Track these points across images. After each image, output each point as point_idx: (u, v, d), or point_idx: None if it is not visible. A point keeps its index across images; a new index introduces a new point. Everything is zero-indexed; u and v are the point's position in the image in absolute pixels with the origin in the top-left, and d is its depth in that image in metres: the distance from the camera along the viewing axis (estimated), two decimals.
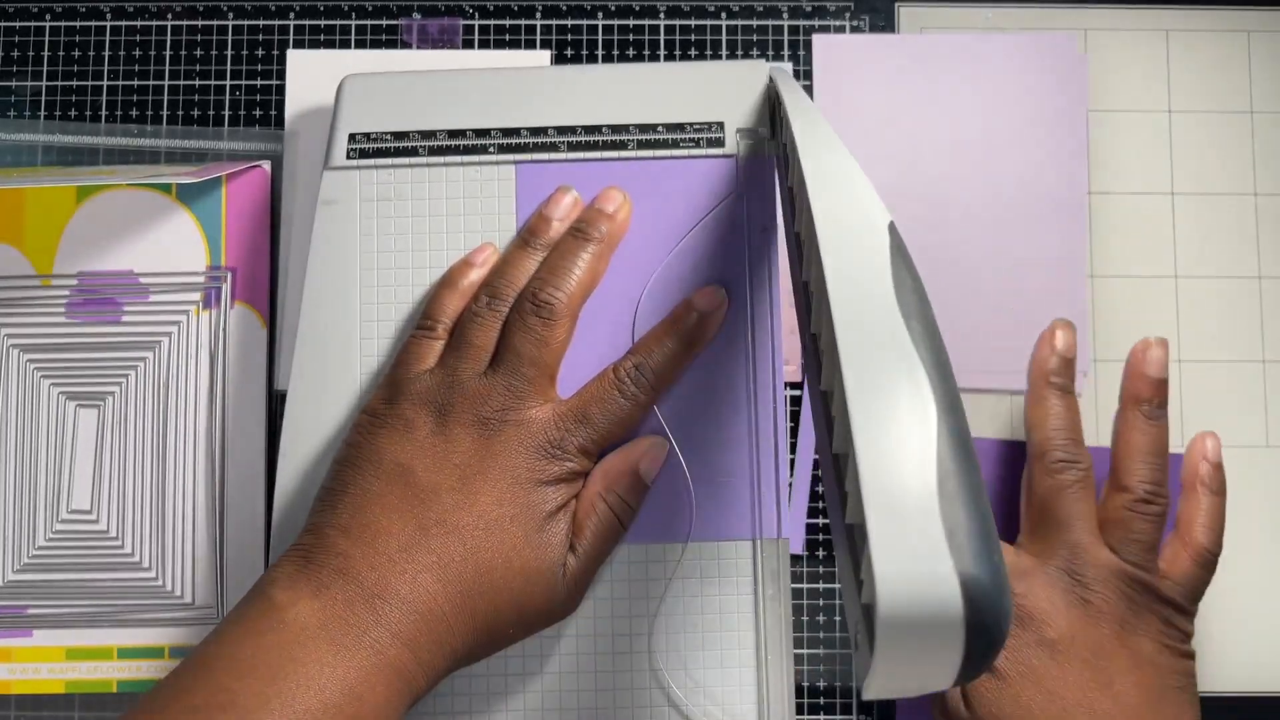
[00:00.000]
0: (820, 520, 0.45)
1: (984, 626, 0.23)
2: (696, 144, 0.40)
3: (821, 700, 0.45)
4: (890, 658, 0.23)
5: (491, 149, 0.41)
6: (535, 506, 0.35)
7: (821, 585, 0.45)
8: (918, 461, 0.25)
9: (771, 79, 0.40)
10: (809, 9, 0.48)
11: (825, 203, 0.30)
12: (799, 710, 0.44)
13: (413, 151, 0.41)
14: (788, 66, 0.47)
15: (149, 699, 0.31)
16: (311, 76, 0.47)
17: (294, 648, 0.31)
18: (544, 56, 0.47)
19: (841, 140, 0.32)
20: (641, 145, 0.40)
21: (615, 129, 0.41)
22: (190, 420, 0.44)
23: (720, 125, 0.41)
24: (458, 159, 0.41)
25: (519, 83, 0.41)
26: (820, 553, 0.45)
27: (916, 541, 0.24)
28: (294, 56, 0.47)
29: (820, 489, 0.45)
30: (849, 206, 0.30)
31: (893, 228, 0.30)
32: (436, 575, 0.33)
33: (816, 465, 0.45)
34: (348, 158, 0.41)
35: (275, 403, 0.45)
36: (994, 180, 0.46)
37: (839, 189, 0.31)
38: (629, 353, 0.38)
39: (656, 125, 0.41)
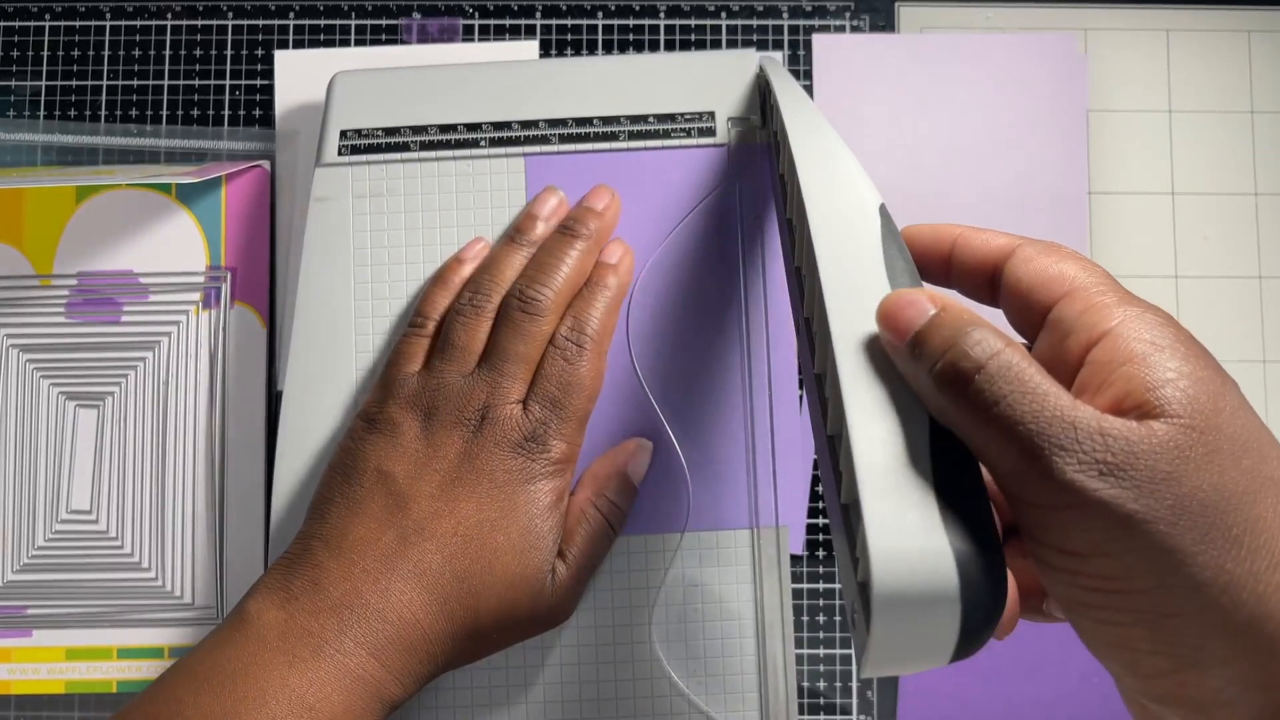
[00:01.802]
0: (820, 520, 0.45)
1: (980, 601, 0.23)
2: (688, 134, 0.41)
3: (821, 700, 0.45)
4: (886, 634, 0.23)
5: (483, 143, 0.41)
6: (519, 508, 0.35)
7: (821, 585, 0.45)
8: (911, 438, 0.25)
9: (761, 68, 0.40)
10: (809, 9, 0.48)
11: (815, 186, 0.30)
12: (800, 711, 0.44)
13: (404, 147, 0.41)
14: (778, 55, 0.47)
15: (124, 707, 0.32)
16: (300, 76, 0.47)
17: (250, 660, 0.31)
18: (531, 47, 0.47)
19: (833, 128, 0.33)
20: (633, 136, 0.41)
21: (606, 120, 0.41)
22: (190, 420, 0.44)
23: (711, 115, 0.41)
24: (449, 153, 0.41)
25: (510, 76, 0.41)
26: (820, 553, 0.45)
27: (911, 517, 0.24)
28: (281, 57, 0.47)
29: (820, 489, 0.45)
30: (839, 190, 0.30)
31: (883, 210, 0.30)
32: (413, 583, 0.33)
33: (816, 465, 0.45)
34: (339, 154, 0.41)
35: (275, 403, 0.45)
36: (994, 180, 0.46)
37: (829, 173, 0.31)
38: (562, 319, 0.38)
39: (648, 116, 0.41)
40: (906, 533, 0.23)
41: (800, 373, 0.40)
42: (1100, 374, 0.24)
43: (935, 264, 0.30)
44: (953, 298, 0.26)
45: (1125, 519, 0.23)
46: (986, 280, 0.29)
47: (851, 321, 0.27)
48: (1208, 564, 0.23)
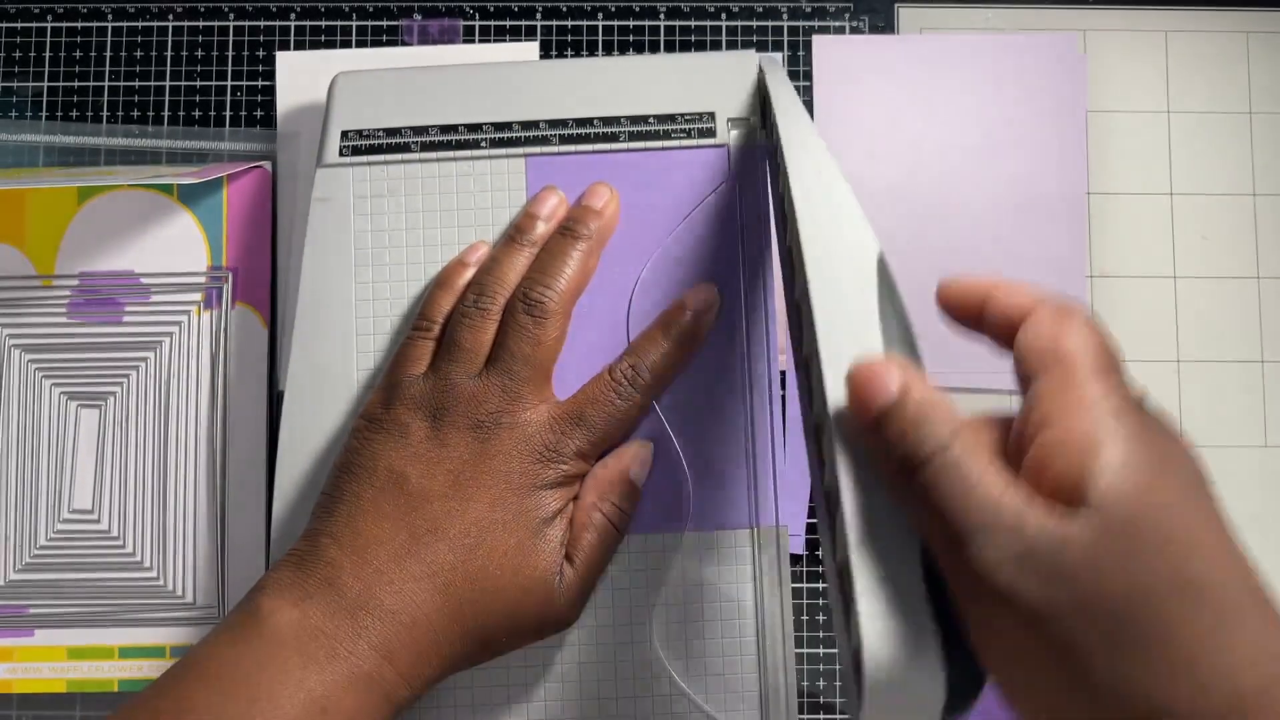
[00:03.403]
0: None
1: (963, 687, 0.26)
2: (688, 135, 0.41)
3: (821, 700, 0.45)
4: (876, 712, 0.26)
5: (484, 143, 0.41)
6: (530, 512, 0.35)
7: (821, 585, 0.45)
8: (904, 547, 0.27)
9: (762, 73, 0.40)
10: (809, 9, 0.48)
11: (815, 248, 0.31)
12: (800, 711, 0.44)
13: (405, 148, 0.41)
14: (778, 56, 0.47)
15: (126, 703, 0.32)
16: (302, 77, 0.47)
17: (263, 658, 0.31)
18: (531, 48, 0.47)
19: (827, 138, 0.34)
20: (633, 137, 0.41)
21: (607, 121, 0.41)
22: (191, 420, 0.44)
23: (711, 115, 0.41)
24: (450, 154, 0.41)
25: (510, 77, 0.41)
26: (820, 553, 0.45)
27: (899, 609, 0.26)
28: (283, 58, 0.47)
29: None
30: (839, 240, 0.31)
31: (881, 262, 0.31)
32: (425, 584, 0.33)
33: None
34: (340, 155, 0.41)
35: (276, 403, 0.45)
36: (994, 180, 0.46)
37: (828, 220, 0.32)
38: (624, 354, 0.38)
39: (648, 116, 0.41)
40: (895, 621, 0.25)
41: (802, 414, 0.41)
42: (1043, 455, 0.25)
43: (969, 317, 0.30)
44: (916, 373, 0.27)
45: (1030, 611, 0.23)
46: (1011, 337, 0.29)
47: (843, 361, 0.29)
48: (1104, 665, 0.23)
